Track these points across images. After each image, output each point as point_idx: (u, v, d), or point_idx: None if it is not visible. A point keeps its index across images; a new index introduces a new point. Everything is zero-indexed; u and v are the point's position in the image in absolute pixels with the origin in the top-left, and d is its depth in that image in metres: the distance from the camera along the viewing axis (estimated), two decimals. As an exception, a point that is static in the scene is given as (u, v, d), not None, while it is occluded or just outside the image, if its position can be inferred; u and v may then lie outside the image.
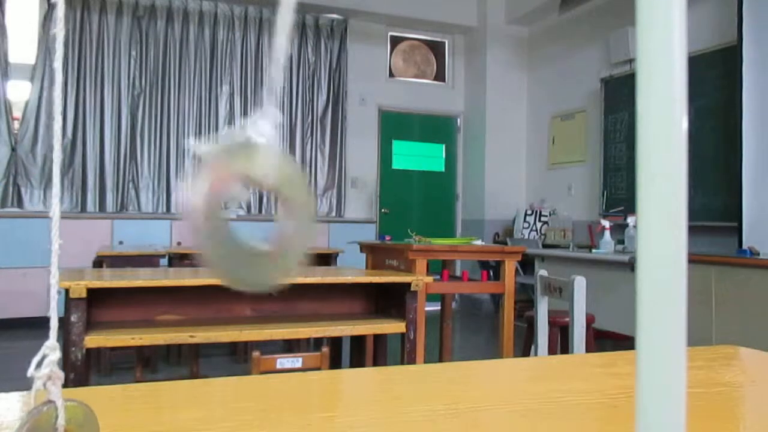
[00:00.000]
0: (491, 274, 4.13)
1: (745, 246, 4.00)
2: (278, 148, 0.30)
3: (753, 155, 4.39)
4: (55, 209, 0.35)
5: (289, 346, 4.60)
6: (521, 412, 0.69)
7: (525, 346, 3.46)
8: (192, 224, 0.28)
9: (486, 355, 4.96)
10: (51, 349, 0.36)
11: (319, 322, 2.55)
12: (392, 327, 2.60)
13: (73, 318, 2.05)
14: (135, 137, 6.47)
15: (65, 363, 2.09)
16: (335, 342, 3.24)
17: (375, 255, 4.10)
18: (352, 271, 3.07)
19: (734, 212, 4.51)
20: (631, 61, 5.90)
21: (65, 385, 0.38)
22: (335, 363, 3.04)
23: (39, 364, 0.36)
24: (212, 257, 0.27)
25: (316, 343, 4.04)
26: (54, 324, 0.36)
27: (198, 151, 0.28)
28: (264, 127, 0.30)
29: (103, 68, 6.37)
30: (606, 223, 4.54)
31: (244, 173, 0.29)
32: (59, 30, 0.34)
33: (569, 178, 6.86)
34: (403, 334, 2.61)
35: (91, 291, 2.09)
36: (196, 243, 0.28)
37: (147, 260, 4.14)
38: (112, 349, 3.80)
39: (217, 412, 0.67)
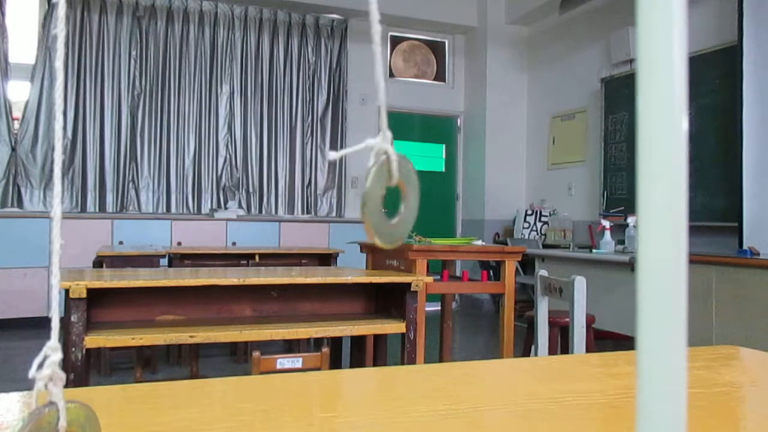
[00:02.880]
0: (491, 274, 4.13)
1: (745, 246, 4.00)
2: (401, 155, 0.43)
3: (753, 155, 4.38)
4: (56, 210, 0.35)
5: (290, 346, 4.60)
6: (521, 412, 0.69)
7: (525, 346, 3.46)
8: (367, 210, 0.41)
9: (486, 355, 4.95)
10: (53, 350, 0.36)
11: (319, 323, 2.55)
12: (392, 327, 2.60)
13: (73, 318, 2.05)
14: (135, 137, 6.47)
15: (65, 363, 2.09)
16: (335, 342, 3.24)
17: (375, 255, 4.10)
18: (352, 271, 3.07)
19: (734, 212, 4.51)
20: (632, 61, 5.90)
21: (65, 386, 0.38)
22: (335, 363, 3.03)
23: (40, 365, 0.36)
24: (374, 227, 0.40)
25: (317, 344, 4.04)
26: (55, 324, 0.36)
27: (335, 158, 0.42)
28: (387, 146, 0.43)
29: (103, 68, 6.37)
30: (606, 224, 4.54)
31: (387, 177, 0.44)
32: (60, 30, 0.34)
33: (569, 178, 6.86)
34: (403, 334, 2.61)
35: (91, 291, 2.09)
36: (366, 221, 0.40)
37: (147, 260, 4.14)
38: (112, 349, 3.80)
39: (217, 412, 0.67)
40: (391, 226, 0.44)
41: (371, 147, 0.42)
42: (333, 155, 0.42)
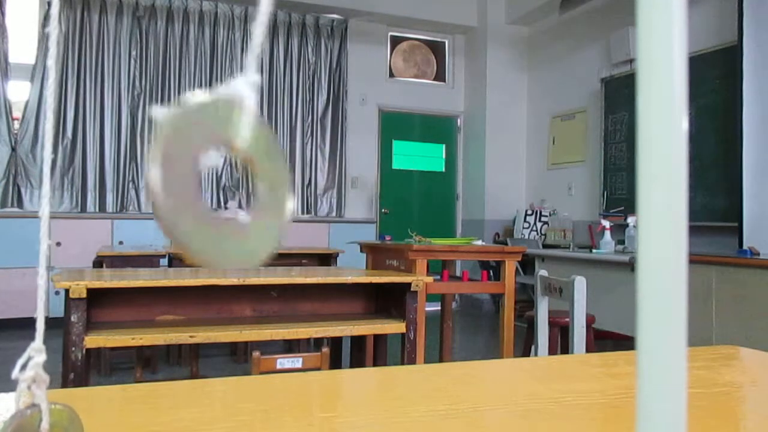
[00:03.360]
0: (491, 274, 4.13)
1: (745, 246, 4.00)
2: (256, 110, 0.27)
3: (753, 155, 4.38)
4: (44, 209, 0.34)
5: (290, 346, 4.60)
6: (521, 412, 0.69)
7: (525, 346, 3.46)
8: (152, 198, 0.25)
9: (486, 355, 4.95)
10: (36, 351, 0.36)
11: (319, 322, 2.55)
12: (392, 327, 2.60)
13: (73, 318, 2.05)
14: (135, 137, 6.47)
15: (65, 363, 2.09)
16: (335, 342, 3.24)
17: (375, 255, 4.10)
18: (352, 271, 3.07)
19: (734, 212, 4.51)
20: (632, 61, 5.90)
21: (65, 386, 0.38)
22: (335, 363, 3.03)
23: (24, 367, 0.35)
24: (178, 234, 0.24)
25: (317, 344, 4.04)
26: (40, 326, 0.36)
27: (158, 116, 0.25)
28: (241, 87, 0.27)
29: (103, 68, 6.37)
30: (606, 224, 4.54)
31: (213, 135, 0.26)
32: (53, 28, 0.34)
33: (569, 178, 6.86)
34: (403, 334, 2.61)
35: (91, 291, 2.09)
36: (157, 219, 0.24)
37: (147, 260, 4.14)
38: (112, 349, 3.80)
39: (217, 412, 0.67)
40: (231, 229, 0.26)
41: (224, 93, 0.27)
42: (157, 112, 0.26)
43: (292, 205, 0.29)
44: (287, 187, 0.29)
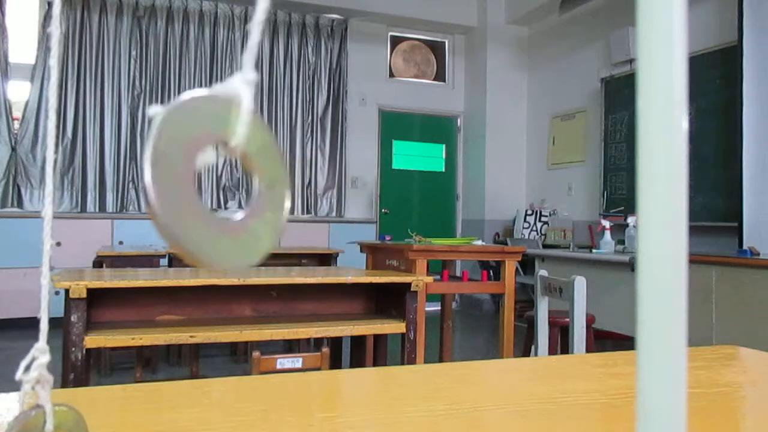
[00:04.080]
0: (491, 274, 4.13)
1: (745, 246, 4.00)
2: (253, 108, 0.27)
3: (753, 155, 4.38)
4: (48, 209, 0.34)
5: (290, 346, 4.60)
6: (521, 412, 0.69)
7: (525, 346, 3.46)
8: (147, 198, 0.24)
9: (486, 355, 4.96)
10: (40, 352, 0.36)
11: (319, 322, 2.55)
12: (392, 327, 2.60)
13: (73, 318, 2.05)
14: (135, 137, 6.47)
15: (65, 363, 2.09)
16: (335, 342, 3.24)
17: (375, 255, 4.10)
18: (353, 271, 3.07)
19: (734, 212, 4.51)
20: (632, 61, 5.90)
21: (65, 386, 0.38)
22: (335, 363, 3.03)
23: (28, 367, 0.35)
24: (173, 234, 0.24)
25: (317, 344, 4.04)
26: (44, 326, 0.36)
27: (155, 114, 0.25)
28: (238, 85, 0.26)
29: (103, 68, 6.37)
30: (606, 224, 4.54)
31: (210, 133, 0.26)
32: (54, 28, 0.34)
33: (569, 178, 6.86)
34: (403, 334, 2.61)
35: (91, 291, 2.09)
36: (152, 218, 0.24)
37: (147, 260, 4.14)
38: (112, 349, 3.80)
39: (217, 412, 0.67)
40: (227, 228, 0.26)
41: (221, 91, 0.26)
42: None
43: (289, 203, 0.28)
44: (285, 185, 0.29)
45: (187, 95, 0.26)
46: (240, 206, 6.81)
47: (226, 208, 6.72)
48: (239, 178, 6.85)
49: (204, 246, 0.24)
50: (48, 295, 0.36)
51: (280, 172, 0.29)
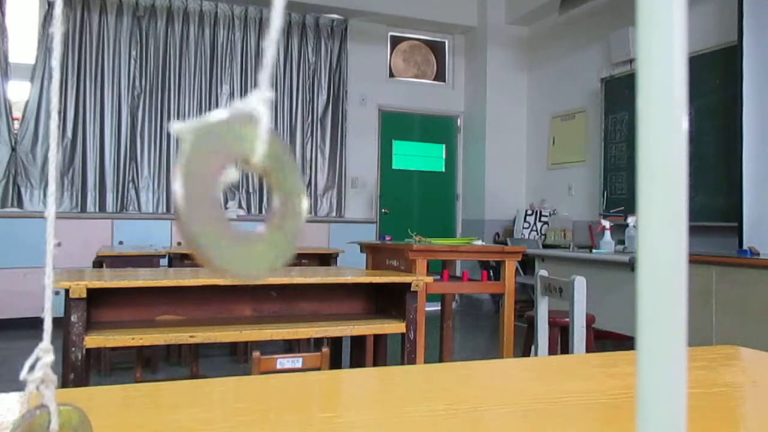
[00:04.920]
0: (491, 274, 4.13)
1: (745, 246, 4.00)
2: (270, 126, 0.28)
3: (753, 155, 4.38)
4: (51, 209, 0.34)
5: (290, 346, 4.60)
6: (521, 412, 0.69)
7: (525, 346, 3.46)
8: (176, 211, 0.26)
9: (486, 355, 4.95)
10: (45, 352, 0.36)
11: (320, 322, 2.55)
12: (392, 327, 2.60)
13: (73, 318, 2.05)
14: (135, 137, 6.47)
15: (65, 363, 2.09)
16: (335, 342, 3.24)
17: (375, 255, 4.10)
18: (353, 271, 3.07)
19: (734, 212, 4.51)
20: (632, 61, 5.90)
21: (65, 386, 0.38)
22: (335, 363, 3.03)
23: (32, 367, 0.35)
24: (199, 244, 0.26)
25: (317, 344, 4.04)
26: (48, 326, 0.36)
27: (179, 132, 0.26)
28: (255, 104, 0.28)
29: (103, 68, 6.37)
30: (606, 223, 4.54)
31: (231, 151, 0.27)
32: (57, 29, 0.34)
33: (569, 178, 6.86)
34: (403, 334, 2.61)
35: (91, 291, 2.09)
36: (180, 229, 0.26)
37: (147, 260, 4.14)
38: (112, 349, 3.80)
39: (217, 412, 0.67)
40: (248, 239, 0.28)
41: (240, 110, 0.28)
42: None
43: (306, 208, 0.30)
44: (302, 197, 0.30)
45: (211, 115, 0.27)
46: (240, 206, 6.81)
47: (225, 208, 6.72)
48: (239, 178, 6.84)
49: (227, 256, 0.26)
50: (51, 294, 0.36)
51: (297, 185, 0.30)
